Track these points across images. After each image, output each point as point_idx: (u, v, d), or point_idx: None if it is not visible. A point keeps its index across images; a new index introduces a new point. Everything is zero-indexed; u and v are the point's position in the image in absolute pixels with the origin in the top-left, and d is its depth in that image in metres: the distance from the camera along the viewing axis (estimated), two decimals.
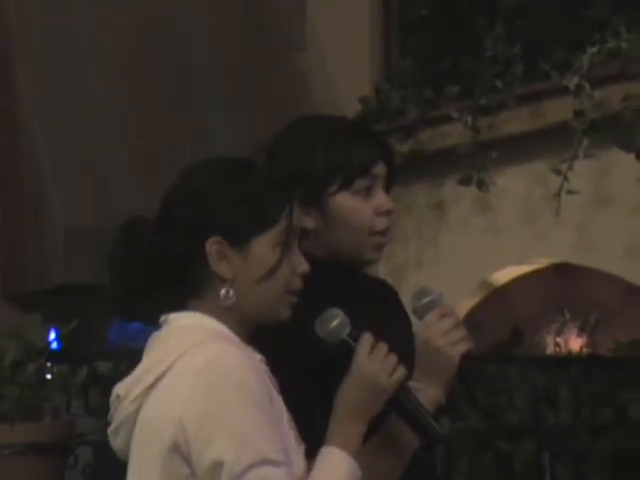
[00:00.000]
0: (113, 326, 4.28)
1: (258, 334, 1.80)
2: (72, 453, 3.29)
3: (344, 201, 1.97)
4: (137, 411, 1.73)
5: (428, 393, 1.88)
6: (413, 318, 1.98)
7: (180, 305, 1.77)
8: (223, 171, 1.80)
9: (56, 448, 3.06)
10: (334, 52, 5.08)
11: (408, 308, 2.00)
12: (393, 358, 1.81)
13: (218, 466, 1.64)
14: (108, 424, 1.79)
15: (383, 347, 1.81)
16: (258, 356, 1.78)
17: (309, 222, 1.96)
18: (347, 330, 1.83)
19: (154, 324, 1.80)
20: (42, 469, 3.06)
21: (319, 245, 1.98)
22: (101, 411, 3.20)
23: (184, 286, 1.77)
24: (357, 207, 1.98)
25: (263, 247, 1.76)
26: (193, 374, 1.68)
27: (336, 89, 4.94)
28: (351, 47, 5.05)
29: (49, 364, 3.25)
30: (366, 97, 4.84)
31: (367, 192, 1.99)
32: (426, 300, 1.92)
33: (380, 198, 1.99)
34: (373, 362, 1.80)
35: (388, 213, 2.01)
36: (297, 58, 5.08)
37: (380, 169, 2.01)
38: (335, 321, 1.83)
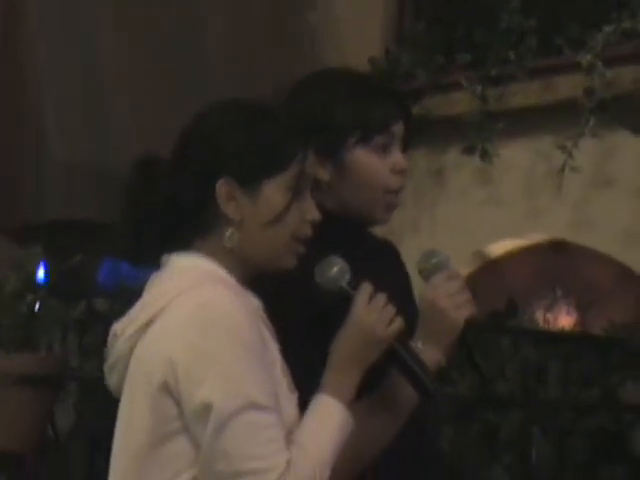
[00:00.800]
0: (102, 266, 4.27)
1: (259, 279, 1.79)
2: (63, 388, 3.28)
3: (361, 156, 1.97)
4: (131, 349, 1.73)
5: (429, 354, 1.88)
6: (417, 280, 1.97)
7: (185, 246, 1.77)
8: (238, 113, 1.80)
9: (48, 381, 3.05)
10: (346, 11, 5.03)
11: (410, 270, 2.00)
12: (391, 309, 1.81)
13: (206, 408, 1.64)
14: (104, 361, 1.79)
15: (382, 297, 1.81)
16: (256, 301, 1.78)
17: (324, 174, 1.96)
18: (347, 278, 1.83)
19: (157, 265, 1.79)
20: (33, 400, 3.06)
21: (331, 198, 1.97)
22: (95, 348, 3.20)
23: (191, 226, 1.76)
24: (373, 163, 1.97)
25: (273, 191, 1.75)
26: (187, 315, 1.68)
27: (346, 49, 4.90)
28: (363, 7, 5.01)
29: (47, 297, 3.23)
30: (375, 58, 4.81)
31: (384, 150, 1.98)
32: (434, 261, 1.92)
33: (397, 156, 1.99)
34: (371, 311, 1.80)
35: (403, 172, 1.99)
36: (307, 15, 5.04)
37: (399, 128, 2.00)
38: (335, 268, 1.82)
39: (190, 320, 1.67)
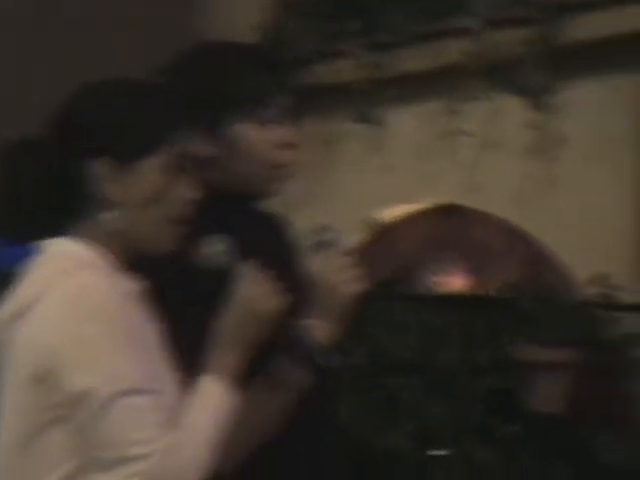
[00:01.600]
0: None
1: (140, 261, 1.77)
2: None
3: (246, 130, 1.94)
4: (6, 339, 1.71)
5: (320, 329, 1.88)
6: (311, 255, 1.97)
7: (62, 229, 1.75)
8: (115, 91, 1.77)
9: None
10: None
11: (300, 243, 1.99)
12: (276, 286, 1.81)
13: (85, 395, 1.63)
14: None
15: (265, 274, 1.81)
16: (132, 284, 1.75)
17: (208, 150, 1.93)
18: (230, 256, 1.82)
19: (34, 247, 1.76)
20: None
21: (217, 174, 1.95)
22: None
23: (69, 209, 1.74)
24: (259, 137, 1.95)
25: (152, 169, 1.73)
26: (62, 303, 1.66)
27: (233, 17, 4.86)
28: None
29: None
30: (263, 25, 4.78)
31: (270, 123, 1.95)
32: (324, 237, 1.93)
33: (283, 130, 1.97)
34: (254, 289, 1.79)
35: (292, 146, 1.98)
36: None
37: (285, 100, 1.98)
38: (218, 246, 1.83)
39: (66, 307, 1.66)
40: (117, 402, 1.63)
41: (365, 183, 4.72)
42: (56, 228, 1.75)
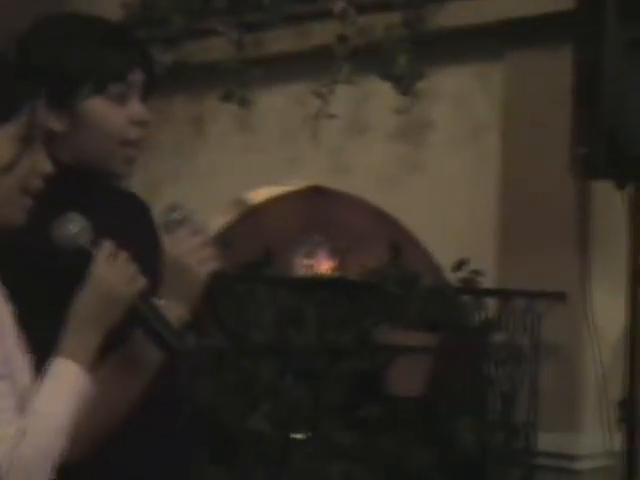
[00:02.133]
0: None
1: None
2: None
3: (96, 105, 1.89)
4: None
5: (173, 309, 1.84)
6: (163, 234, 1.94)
7: None
8: None
9: None
10: None
11: (159, 222, 1.96)
12: (132, 267, 1.75)
13: None
14: None
15: (123, 255, 1.75)
16: None
17: (57, 124, 1.87)
18: (86, 236, 1.76)
19: None
20: None
21: (67, 150, 1.89)
22: None
23: None
24: (109, 113, 1.89)
25: (2, 139, 1.64)
26: None
27: None
28: None
29: None
30: (129, 3, 4.70)
31: (121, 99, 1.91)
32: (176, 216, 1.88)
33: (135, 107, 1.91)
34: (111, 269, 1.74)
35: (143, 124, 1.92)
36: None
37: (137, 76, 1.92)
38: (73, 225, 1.76)
39: None
40: None
41: (232, 163, 4.69)
42: None
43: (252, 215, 4.53)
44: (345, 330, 3.68)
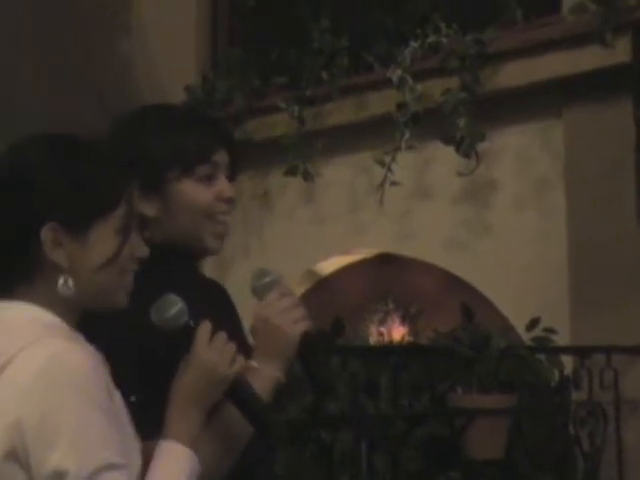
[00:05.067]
0: None
1: (88, 321, 1.74)
2: None
3: (185, 187, 1.97)
4: None
5: (267, 372, 1.87)
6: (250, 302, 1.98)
7: (5, 293, 1.67)
8: (58, 150, 1.70)
9: None
10: (159, 39, 5.01)
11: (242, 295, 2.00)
12: (232, 347, 1.78)
13: (60, 475, 1.55)
14: None
15: (222, 335, 1.79)
16: (90, 347, 1.69)
17: (149, 209, 1.95)
18: (185, 317, 1.79)
19: None
20: None
21: (160, 233, 1.96)
22: None
23: (15, 274, 1.67)
24: (198, 193, 1.97)
25: (102, 233, 1.68)
26: (31, 375, 1.57)
27: (161, 77, 4.88)
28: (177, 34, 5.00)
29: None
30: (192, 86, 4.81)
31: (209, 179, 1.99)
32: (266, 280, 1.92)
33: (221, 185, 1.99)
34: (212, 350, 1.76)
35: (229, 201, 2.00)
36: (119, 44, 4.99)
37: (221, 156, 2.01)
38: (173, 308, 1.79)
39: (35, 380, 1.57)
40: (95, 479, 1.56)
41: (300, 235, 4.74)
42: (3, 291, 1.67)
43: (323, 285, 4.56)
44: (420, 395, 3.67)
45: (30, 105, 4.67)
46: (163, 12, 5.04)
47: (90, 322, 1.74)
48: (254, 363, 1.86)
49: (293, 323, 1.88)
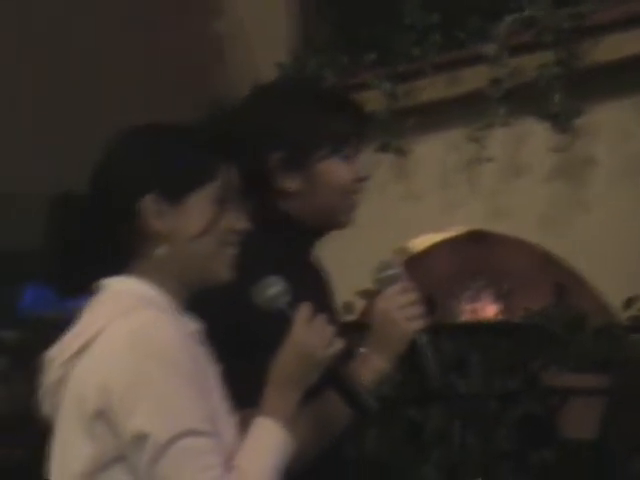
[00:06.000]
0: (25, 294, 4.22)
1: (197, 300, 1.78)
2: None
3: (332, 166, 2.02)
4: (64, 377, 1.71)
5: (375, 361, 1.92)
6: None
7: (116, 269, 1.76)
8: (156, 131, 1.81)
9: None
10: (251, 18, 5.04)
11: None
12: (331, 330, 1.81)
13: (142, 437, 1.63)
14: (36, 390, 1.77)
15: (321, 318, 1.81)
16: (192, 324, 1.76)
17: (292, 184, 2.01)
18: (285, 299, 1.82)
19: (88, 293, 1.77)
20: None
21: (298, 206, 2.02)
22: (6, 381, 3.15)
23: (119, 249, 1.75)
24: (343, 171, 2.03)
25: (200, 203, 1.75)
26: (119, 342, 1.67)
27: (253, 55, 4.91)
28: (268, 13, 5.01)
29: None
30: (283, 63, 4.81)
31: (350, 159, 2.05)
32: (388, 273, 1.96)
33: (359, 165, 2.06)
34: (310, 332, 1.79)
35: (364, 179, 2.08)
36: (213, 23, 5.04)
37: (359, 138, 2.08)
38: (274, 289, 1.82)
39: (123, 347, 1.66)
40: (174, 444, 1.63)
41: (391, 212, 4.72)
42: (112, 270, 1.76)
43: (414, 263, 4.53)
44: (511, 374, 3.63)
45: (127, 87, 4.73)
46: None
47: (197, 301, 1.78)
48: (362, 349, 1.90)
49: (410, 319, 1.94)
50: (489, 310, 4.43)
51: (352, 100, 2.13)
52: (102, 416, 1.65)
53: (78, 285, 1.78)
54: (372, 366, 1.90)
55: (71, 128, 4.46)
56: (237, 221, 1.78)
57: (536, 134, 4.32)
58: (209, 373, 1.74)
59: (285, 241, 1.98)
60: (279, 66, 4.80)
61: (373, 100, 4.60)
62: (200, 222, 1.74)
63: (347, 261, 3.84)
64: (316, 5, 5.08)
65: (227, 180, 1.77)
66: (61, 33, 4.68)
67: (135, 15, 4.87)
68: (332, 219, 2.06)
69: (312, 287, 1.97)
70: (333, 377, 1.82)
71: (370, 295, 2.02)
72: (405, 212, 4.70)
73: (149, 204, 1.73)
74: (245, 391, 1.77)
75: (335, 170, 2.02)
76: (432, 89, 4.53)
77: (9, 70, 4.60)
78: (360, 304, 4.04)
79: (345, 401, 1.85)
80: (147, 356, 1.65)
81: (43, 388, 1.76)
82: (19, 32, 4.68)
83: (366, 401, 1.84)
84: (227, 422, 1.74)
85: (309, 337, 1.79)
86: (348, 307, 3.82)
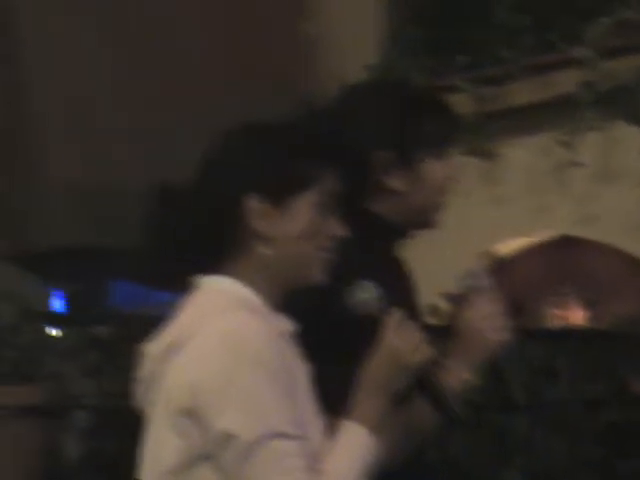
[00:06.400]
0: (117, 290, 4.28)
1: (290, 302, 1.80)
2: (67, 416, 3.30)
3: (432, 166, 2.05)
4: (158, 371, 1.73)
5: (457, 370, 1.91)
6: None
7: (215, 267, 1.77)
8: (264, 131, 1.81)
9: (51, 411, 3.07)
10: (340, 19, 5.04)
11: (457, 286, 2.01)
12: (420, 336, 1.80)
13: (229, 436, 1.64)
14: (132, 382, 1.78)
15: (411, 324, 1.81)
16: (285, 324, 1.77)
17: (399, 184, 2.02)
18: (378, 304, 1.82)
19: (182, 290, 1.78)
20: (37, 431, 3.07)
21: (397, 207, 2.03)
22: (98, 375, 3.21)
23: (220, 247, 1.77)
24: (441, 172, 2.06)
25: (302, 207, 1.76)
26: (213, 342, 1.68)
27: (342, 57, 4.91)
28: (358, 14, 5.01)
29: (47, 327, 3.27)
30: (372, 65, 4.81)
31: (446, 158, 2.07)
32: (475, 282, 1.96)
33: (454, 163, 2.08)
34: (400, 338, 1.79)
35: (456, 179, 2.10)
36: (303, 26, 5.06)
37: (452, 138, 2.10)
38: (366, 293, 1.82)
39: (216, 347, 1.67)
40: (260, 445, 1.63)
41: (479, 216, 4.69)
42: (209, 268, 1.77)
43: (501, 267, 4.50)
44: (599, 381, 3.58)
45: (222, 88, 4.78)
46: None
47: (290, 302, 1.79)
48: (447, 360, 1.89)
49: (494, 330, 1.92)
50: (577, 316, 4.38)
51: (444, 101, 2.14)
52: (191, 414, 1.66)
53: (173, 281, 1.80)
54: (455, 374, 1.89)
55: (168, 129, 4.51)
56: (337, 227, 1.79)
57: (628, 138, 4.25)
58: (299, 375, 1.75)
59: (374, 242, 1.98)
60: (368, 68, 4.79)
61: (461, 103, 4.56)
62: (301, 226, 1.75)
63: (433, 264, 3.82)
64: (405, 7, 5.06)
65: (329, 185, 1.78)
66: (158, 36, 4.74)
67: (230, 17, 4.91)
68: (425, 219, 2.08)
69: (400, 289, 1.97)
70: (421, 383, 1.81)
71: (454, 299, 1.99)
72: (492, 216, 4.66)
73: (253, 205, 1.74)
74: (334, 394, 1.77)
75: (435, 170, 2.05)
76: (522, 92, 4.48)
77: (106, 72, 4.67)
78: (444, 307, 4.02)
79: (432, 407, 1.84)
80: (239, 358, 1.66)
81: (136, 383, 1.77)
82: (116, 34, 4.75)
83: (453, 408, 1.83)
84: (315, 424, 1.74)
85: (398, 343, 1.78)
86: (432, 310, 3.79)
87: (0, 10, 4.66)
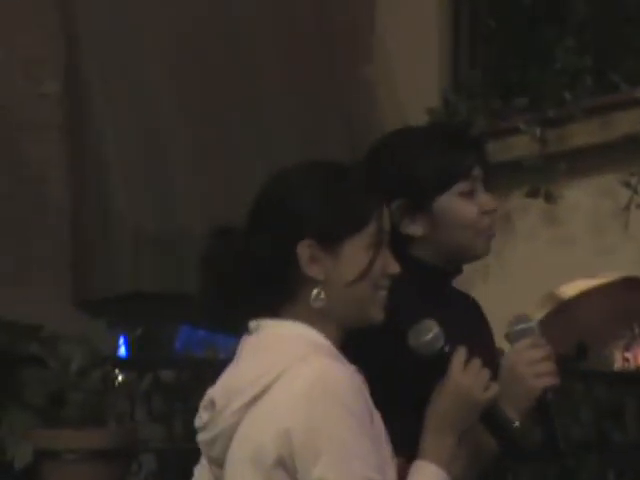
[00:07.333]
0: (180, 334, 4.31)
1: (348, 342, 1.79)
2: (135, 459, 3.32)
3: (450, 203, 2.01)
4: (238, 423, 1.71)
5: (508, 413, 1.86)
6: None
7: (270, 311, 1.76)
8: (314, 174, 1.81)
9: (119, 454, 3.09)
10: (402, 63, 5.06)
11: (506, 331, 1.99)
12: (486, 373, 1.80)
13: None
14: (198, 431, 1.75)
15: (477, 362, 1.81)
16: (352, 367, 1.75)
17: (416, 229, 2.00)
18: (441, 343, 1.82)
19: (239, 333, 1.78)
20: (106, 475, 3.09)
21: (427, 249, 2.01)
22: (164, 418, 3.23)
23: (275, 291, 1.76)
24: (463, 207, 2.01)
25: (355, 249, 1.75)
26: (300, 388, 1.66)
27: (403, 100, 4.93)
28: (419, 58, 5.03)
29: (115, 371, 3.30)
30: (433, 108, 4.83)
31: (470, 194, 2.02)
32: (521, 327, 1.93)
33: (483, 198, 2.03)
34: (467, 376, 1.80)
35: (493, 212, 2.04)
36: (364, 69, 5.08)
37: (478, 171, 2.04)
38: (430, 334, 1.82)
39: (304, 394, 1.66)
40: None
41: (540, 257, 4.67)
42: (265, 312, 1.76)
43: (565, 309, 4.47)
44: None
45: (281, 127, 4.80)
46: (405, 36, 5.08)
47: (350, 343, 1.78)
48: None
49: (536, 376, 1.88)
50: None
51: (465, 134, 2.12)
52: (282, 463, 1.66)
53: (230, 324, 1.80)
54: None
55: (229, 170, 4.53)
56: (390, 265, 1.78)
57: None
58: (376, 417, 1.74)
59: (425, 284, 1.96)
60: (430, 111, 4.82)
61: (523, 145, 4.58)
62: (356, 268, 1.74)
63: (496, 305, 3.80)
64: (467, 50, 5.08)
65: (380, 224, 1.78)
66: (218, 74, 4.77)
67: (291, 58, 4.93)
68: (464, 255, 2.03)
69: (462, 326, 1.94)
70: (489, 419, 1.81)
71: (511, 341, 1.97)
72: (555, 258, 4.64)
73: (305, 249, 1.73)
74: (401, 434, 1.77)
75: (456, 208, 2.00)
76: (583, 134, 4.47)
77: (166, 117, 4.71)
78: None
79: (499, 443, 1.83)
80: (327, 404, 1.65)
81: (212, 434, 1.73)
82: (174, 68, 4.78)
83: (523, 444, 1.82)
84: (392, 467, 1.74)
85: (465, 381, 1.78)
86: (499, 352, 3.78)
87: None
